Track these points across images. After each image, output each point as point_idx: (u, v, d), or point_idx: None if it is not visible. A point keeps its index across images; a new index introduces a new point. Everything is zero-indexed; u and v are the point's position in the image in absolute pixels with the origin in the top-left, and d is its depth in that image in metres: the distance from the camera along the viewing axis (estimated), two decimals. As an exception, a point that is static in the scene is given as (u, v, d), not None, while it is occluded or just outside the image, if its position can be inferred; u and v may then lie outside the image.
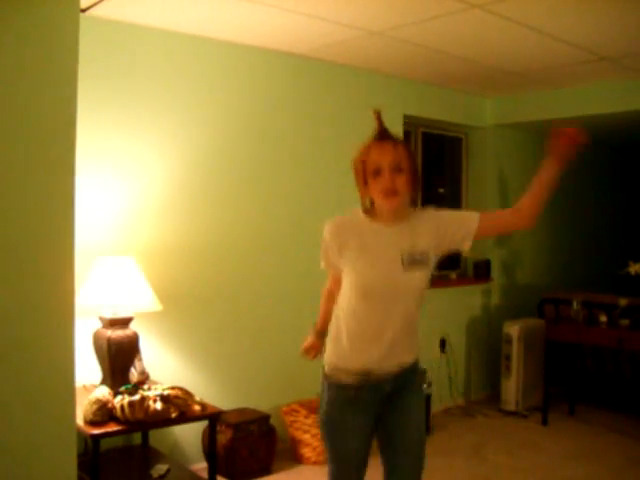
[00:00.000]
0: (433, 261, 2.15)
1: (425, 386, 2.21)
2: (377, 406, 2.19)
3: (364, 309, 2.13)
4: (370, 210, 2.18)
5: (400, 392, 2.21)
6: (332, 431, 2.20)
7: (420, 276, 2.12)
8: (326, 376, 2.25)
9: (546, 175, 2.20)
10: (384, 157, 2.07)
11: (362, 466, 2.23)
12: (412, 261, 2.10)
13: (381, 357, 2.13)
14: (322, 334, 2.46)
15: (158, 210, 3.68)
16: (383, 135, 2.14)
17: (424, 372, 2.48)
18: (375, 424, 2.21)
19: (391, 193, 2.07)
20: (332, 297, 2.37)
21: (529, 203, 2.15)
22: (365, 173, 2.12)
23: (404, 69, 4.50)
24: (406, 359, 2.21)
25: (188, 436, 3.71)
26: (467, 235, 2.13)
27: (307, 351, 2.56)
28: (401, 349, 2.17)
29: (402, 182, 2.08)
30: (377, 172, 2.08)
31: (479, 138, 5.62)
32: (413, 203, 2.20)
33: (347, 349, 2.17)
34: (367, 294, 2.12)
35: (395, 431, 2.21)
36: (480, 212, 2.19)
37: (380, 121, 2.16)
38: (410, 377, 2.23)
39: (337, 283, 2.30)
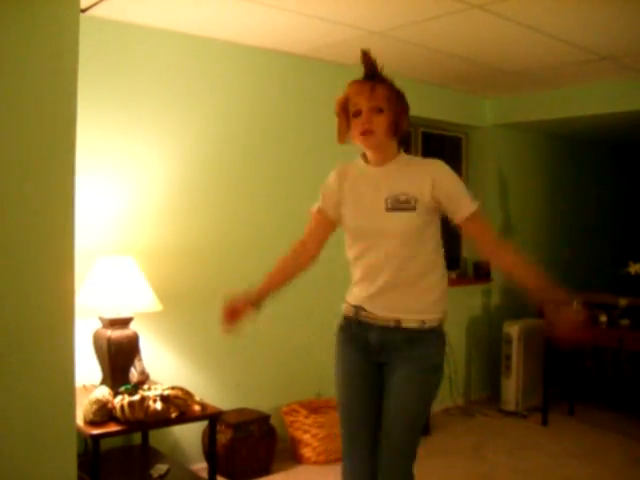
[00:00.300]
0: (425, 207, 2.12)
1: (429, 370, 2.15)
2: (371, 352, 2.20)
3: (358, 250, 2.21)
4: (364, 154, 2.26)
5: (393, 360, 2.16)
6: (337, 370, 2.27)
7: (403, 218, 2.11)
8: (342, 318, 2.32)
9: (530, 286, 2.08)
10: (362, 98, 2.12)
11: (369, 425, 2.19)
12: (395, 202, 2.12)
13: (370, 296, 2.17)
14: (255, 300, 2.39)
15: (158, 210, 3.67)
16: (367, 76, 2.19)
17: (436, 355, 2.18)
18: (376, 378, 2.21)
19: (367, 132, 2.11)
20: (296, 257, 2.43)
21: (505, 263, 2.18)
22: (347, 114, 2.16)
23: (404, 69, 4.49)
24: (405, 317, 2.14)
25: (188, 436, 3.71)
26: (452, 217, 2.16)
27: (227, 313, 2.36)
28: (396, 299, 2.15)
29: (379, 122, 2.10)
30: (357, 113, 2.13)
31: (479, 138, 5.61)
32: (402, 145, 2.23)
33: (352, 286, 2.28)
34: (356, 235, 2.21)
35: (383, 402, 2.18)
36: (478, 209, 2.13)
37: (366, 61, 2.23)
38: (405, 346, 2.14)
39: (313, 237, 2.38)
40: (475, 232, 2.17)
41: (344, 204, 2.24)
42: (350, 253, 2.25)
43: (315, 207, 2.32)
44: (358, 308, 2.21)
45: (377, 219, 2.14)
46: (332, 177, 2.30)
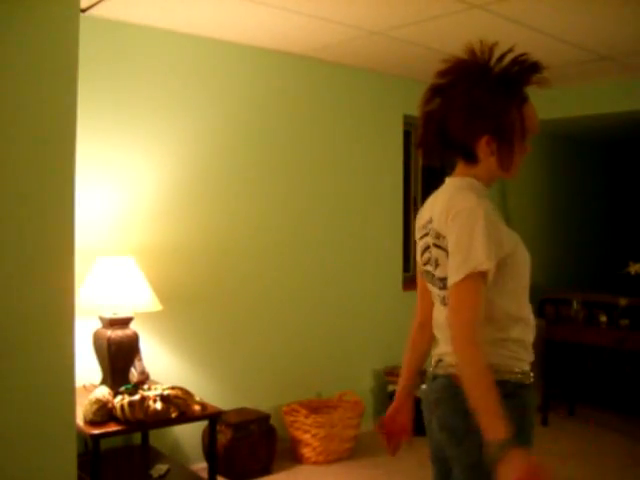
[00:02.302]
0: None
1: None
2: None
3: (525, 306, 1.71)
4: (479, 172, 1.71)
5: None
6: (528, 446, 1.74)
7: None
8: None
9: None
10: (537, 120, 1.69)
11: None
12: None
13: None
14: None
15: (158, 210, 3.67)
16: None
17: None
18: None
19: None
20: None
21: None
22: (523, 131, 1.65)
23: (404, 69, 4.50)
24: None
25: (188, 436, 3.71)
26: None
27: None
28: None
29: None
30: (527, 137, 1.68)
31: (479, 138, 5.60)
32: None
33: (518, 347, 1.70)
34: (529, 275, 1.72)
35: None
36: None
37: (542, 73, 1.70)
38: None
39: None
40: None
41: (512, 251, 1.68)
42: (517, 308, 1.70)
43: (485, 266, 1.57)
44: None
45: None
46: (489, 223, 1.61)
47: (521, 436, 1.58)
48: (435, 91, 1.70)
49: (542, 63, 1.64)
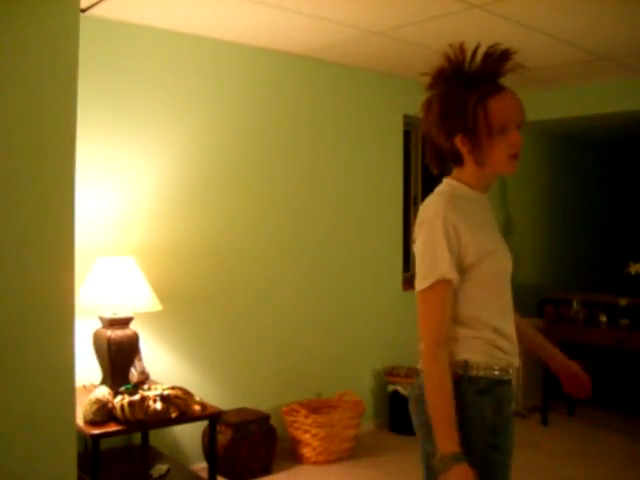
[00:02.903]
0: None
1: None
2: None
3: (505, 298, 1.75)
4: (465, 174, 1.72)
5: None
6: (500, 444, 1.72)
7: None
8: None
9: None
10: (514, 111, 1.67)
11: None
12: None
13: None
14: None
15: (158, 210, 3.67)
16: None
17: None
18: None
19: (517, 155, 1.68)
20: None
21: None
22: (488, 125, 1.63)
23: (404, 69, 4.50)
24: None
25: (188, 436, 3.71)
26: None
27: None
28: None
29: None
30: (503, 130, 1.65)
31: (479, 138, 5.60)
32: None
33: (502, 339, 1.72)
34: (504, 280, 1.74)
35: None
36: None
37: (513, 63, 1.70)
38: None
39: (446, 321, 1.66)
40: None
41: (478, 249, 1.66)
42: (492, 305, 1.70)
43: (448, 275, 1.60)
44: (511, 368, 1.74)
45: (509, 260, 1.78)
46: (447, 227, 1.61)
47: (497, 432, 1.64)
48: (426, 105, 1.76)
49: (511, 49, 1.67)
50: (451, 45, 1.69)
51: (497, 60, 1.67)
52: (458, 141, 1.67)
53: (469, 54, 1.69)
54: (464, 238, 1.62)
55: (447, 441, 1.52)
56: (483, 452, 1.61)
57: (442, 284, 1.60)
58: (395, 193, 4.84)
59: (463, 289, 1.65)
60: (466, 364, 1.64)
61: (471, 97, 1.65)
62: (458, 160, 1.72)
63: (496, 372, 1.66)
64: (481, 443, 1.62)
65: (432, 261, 1.61)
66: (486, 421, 1.61)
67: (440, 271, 1.59)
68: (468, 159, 1.70)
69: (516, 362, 1.72)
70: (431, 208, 1.67)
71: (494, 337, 1.68)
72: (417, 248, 1.67)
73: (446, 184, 1.74)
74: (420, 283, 1.63)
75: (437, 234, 1.61)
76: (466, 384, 1.63)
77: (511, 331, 1.72)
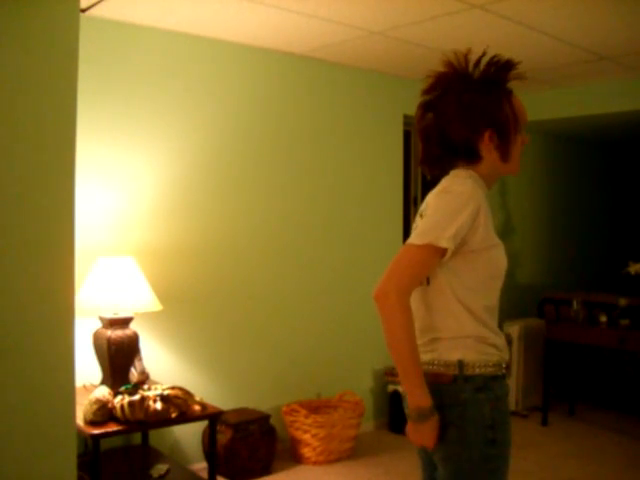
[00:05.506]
0: None
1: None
2: None
3: (493, 299, 1.75)
4: (480, 170, 1.74)
5: None
6: (507, 437, 1.74)
7: None
8: None
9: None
10: (525, 112, 1.77)
11: None
12: None
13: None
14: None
15: (158, 210, 3.68)
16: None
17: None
18: None
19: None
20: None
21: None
22: (513, 124, 1.72)
23: (404, 69, 4.50)
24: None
25: (188, 436, 3.71)
26: None
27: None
28: None
29: None
30: (520, 129, 1.75)
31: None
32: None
33: (493, 335, 1.74)
34: (499, 279, 1.75)
35: None
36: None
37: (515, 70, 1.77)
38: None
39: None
40: None
41: (485, 238, 1.67)
42: (485, 296, 1.72)
43: (445, 243, 1.59)
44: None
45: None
46: (476, 205, 1.63)
47: (496, 427, 1.64)
48: (426, 107, 1.76)
49: (514, 59, 1.74)
50: (456, 52, 1.72)
51: (502, 68, 1.73)
52: (486, 136, 1.69)
53: (472, 61, 1.74)
54: (479, 221, 1.62)
55: (424, 393, 1.58)
56: (482, 448, 1.63)
57: (434, 249, 1.58)
58: (395, 193, 4.84)
59: (460, 275, 1.65)
60: (461, 363, 1.65)
61: (498, 96, 1.70)
62: (473, 156, 1.72)
63: (490, 368, 1.67)
64: (480, 439, 1.63)
65: (439, 224, 1.59)
66: (485, 418, 1.63)
67: (440, 235, 1.57)
68: (489, 155, 1.72)
69: (507, 356, 1.74)
70: (461, 185, 1.65)
71: (484, 333, 1.68)
72: (430, 208, 1.66)
73: (466, 171, 1.72)
74: (414, 238, 1.61)
75: (460, 207, 1.60)
76: (462, 383, 1.64)
77: (496, 326, 1.74)
